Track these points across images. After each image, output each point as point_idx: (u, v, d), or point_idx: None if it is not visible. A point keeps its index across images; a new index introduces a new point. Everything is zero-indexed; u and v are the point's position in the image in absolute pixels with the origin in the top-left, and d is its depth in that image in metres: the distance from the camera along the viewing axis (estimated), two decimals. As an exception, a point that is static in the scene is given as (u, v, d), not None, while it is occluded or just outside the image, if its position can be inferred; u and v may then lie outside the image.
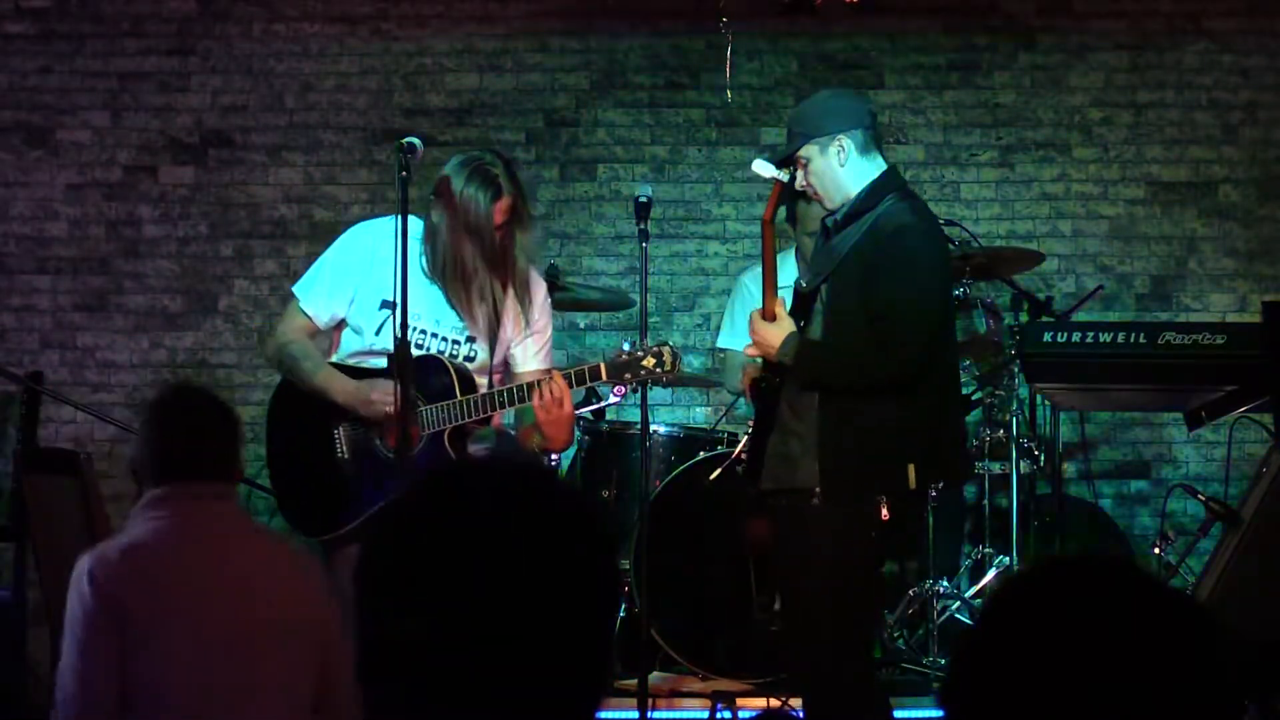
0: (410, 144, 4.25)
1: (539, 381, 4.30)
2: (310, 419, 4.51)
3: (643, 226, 4.63)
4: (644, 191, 4.71)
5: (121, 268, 7.15)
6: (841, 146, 4.24)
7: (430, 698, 1.51)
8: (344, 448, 4.49)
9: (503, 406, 4.35)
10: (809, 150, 4.27)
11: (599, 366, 4.29)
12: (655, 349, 4.24)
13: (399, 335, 4.16)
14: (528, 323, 4.55)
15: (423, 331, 4.44)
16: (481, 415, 4.35)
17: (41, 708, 5.49)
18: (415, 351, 4.30)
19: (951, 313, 4.52)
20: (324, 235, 7.13)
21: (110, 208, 7.17)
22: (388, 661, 1.53)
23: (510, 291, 4.47)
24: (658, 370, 4.23)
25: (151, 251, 7.15)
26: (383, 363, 4.42)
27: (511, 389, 4.36)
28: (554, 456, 5.60)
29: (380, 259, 4.46)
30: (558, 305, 6.10)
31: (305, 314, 4.56)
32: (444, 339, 4.49)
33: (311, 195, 7.16)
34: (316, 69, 7.20)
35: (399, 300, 4.16)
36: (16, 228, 7.18)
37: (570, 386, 4.28)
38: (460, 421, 4.34)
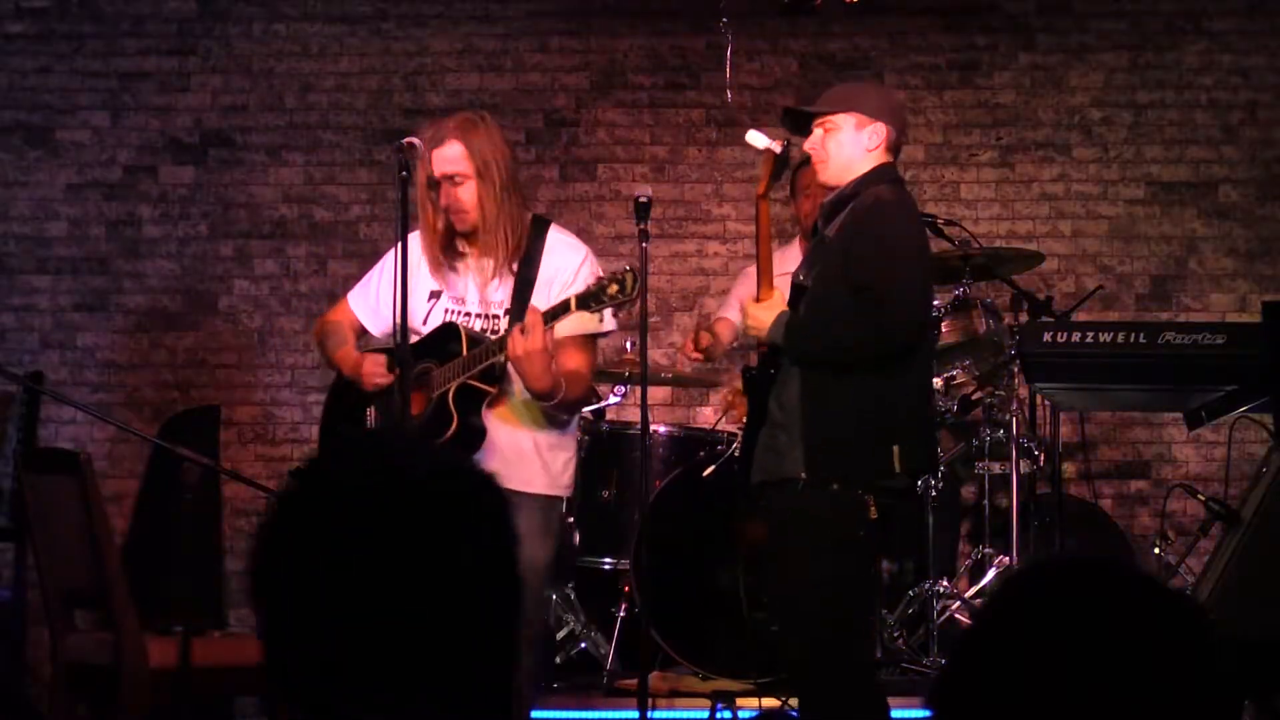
0: (410, 144, 4.25)
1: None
2: (349, 401, 4.56)
3: (643, 226, 4.61)
4: (644, 192, 4.71)
5: (121, 268, 7.15)
6: (878, 133, 4.25)
7: (337, 705, 1.50)
8: (372, 427, 4.52)
9: (490, 356, 4.29)
10: (846, 119, 4.26)
11: (569, 300, 4.24)
12: (617, 274, 4.21)
13: (399, 339, 4.17)
14: (556, 284, 4.47)
15: (466, 314, 4.43)
16: (477, 368, 4.30)
17: (41, 708, 5.50)
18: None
19: (931, 294, 4.52)
20: (324, 235, 7.14)
21: (110, 208, 7.17)
22: (289, 673, 1.52)
23: (507, 252, 4.42)
24: (620, 296, 4.20)
25: (151, 251, 7.15)
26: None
27: (495, 338, 4.33)
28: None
29: (421, 258, 4.48)
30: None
31: (352, 310, 4.64)
32: (485, 316, 4.46)
33: (311, 195, 7.15)
34: (316, 69, 7.20)
35: (399, 301, 4.17)
36: (16, 228, 7.17)
37: (545, 322, 4.22)
38: (461, 377, 4.30)
